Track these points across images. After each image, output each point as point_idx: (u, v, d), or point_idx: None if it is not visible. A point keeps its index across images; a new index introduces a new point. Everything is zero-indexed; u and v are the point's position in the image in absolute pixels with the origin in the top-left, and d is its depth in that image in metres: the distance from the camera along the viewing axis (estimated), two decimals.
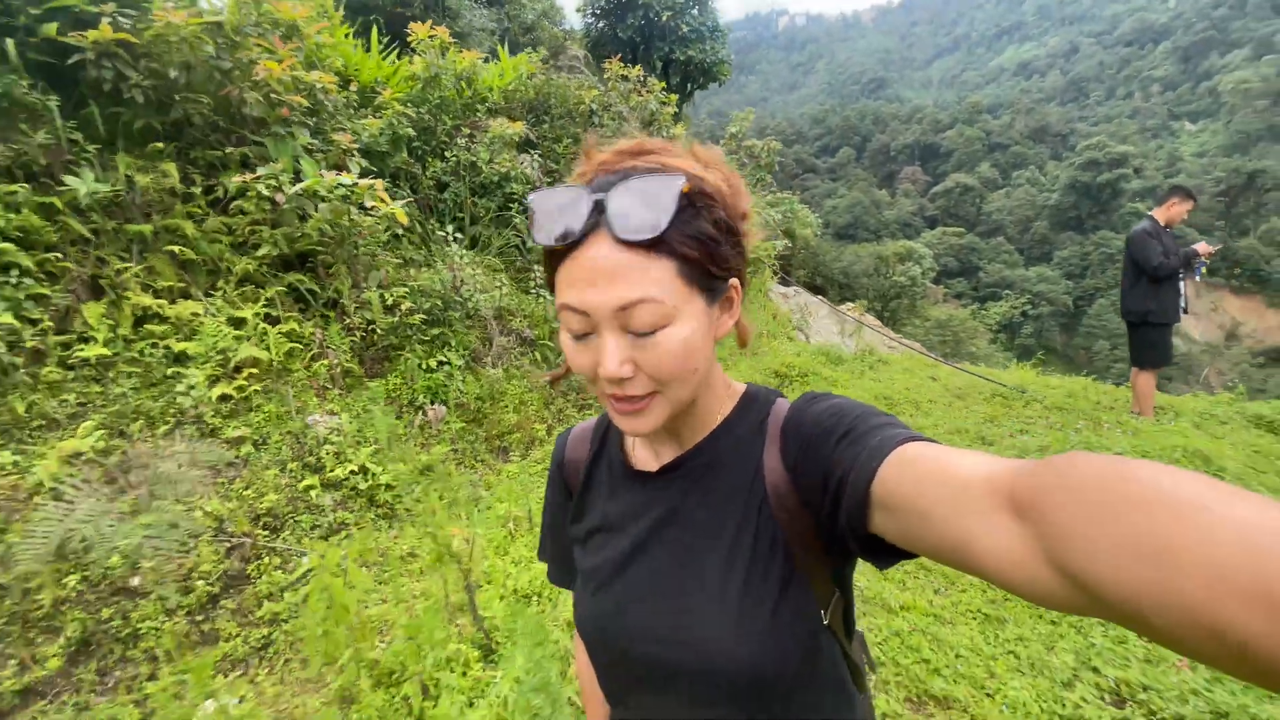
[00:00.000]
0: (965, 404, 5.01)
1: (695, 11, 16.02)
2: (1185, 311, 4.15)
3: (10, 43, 3.03)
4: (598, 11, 16.57)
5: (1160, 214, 4.11)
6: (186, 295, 3.53)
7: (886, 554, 0.52)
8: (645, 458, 0.73)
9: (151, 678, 2.34)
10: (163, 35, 3.37)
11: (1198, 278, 4.11)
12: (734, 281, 0.62)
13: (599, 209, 0.55)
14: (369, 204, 3.77)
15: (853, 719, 0.70)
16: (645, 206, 0.54)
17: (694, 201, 0.56)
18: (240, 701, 2.30)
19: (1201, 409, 4.49)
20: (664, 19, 15.24)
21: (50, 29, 3.16)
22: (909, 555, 0.51)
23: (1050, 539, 0.35)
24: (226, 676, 2.45)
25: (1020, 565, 0.38)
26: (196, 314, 3.40)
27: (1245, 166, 54.20)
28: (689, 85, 17.05)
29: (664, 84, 7.93)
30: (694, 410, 0.67)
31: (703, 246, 0.57)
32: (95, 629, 2.38)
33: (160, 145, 3.53)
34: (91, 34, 3.18)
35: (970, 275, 59.62)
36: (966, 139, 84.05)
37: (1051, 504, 0.36)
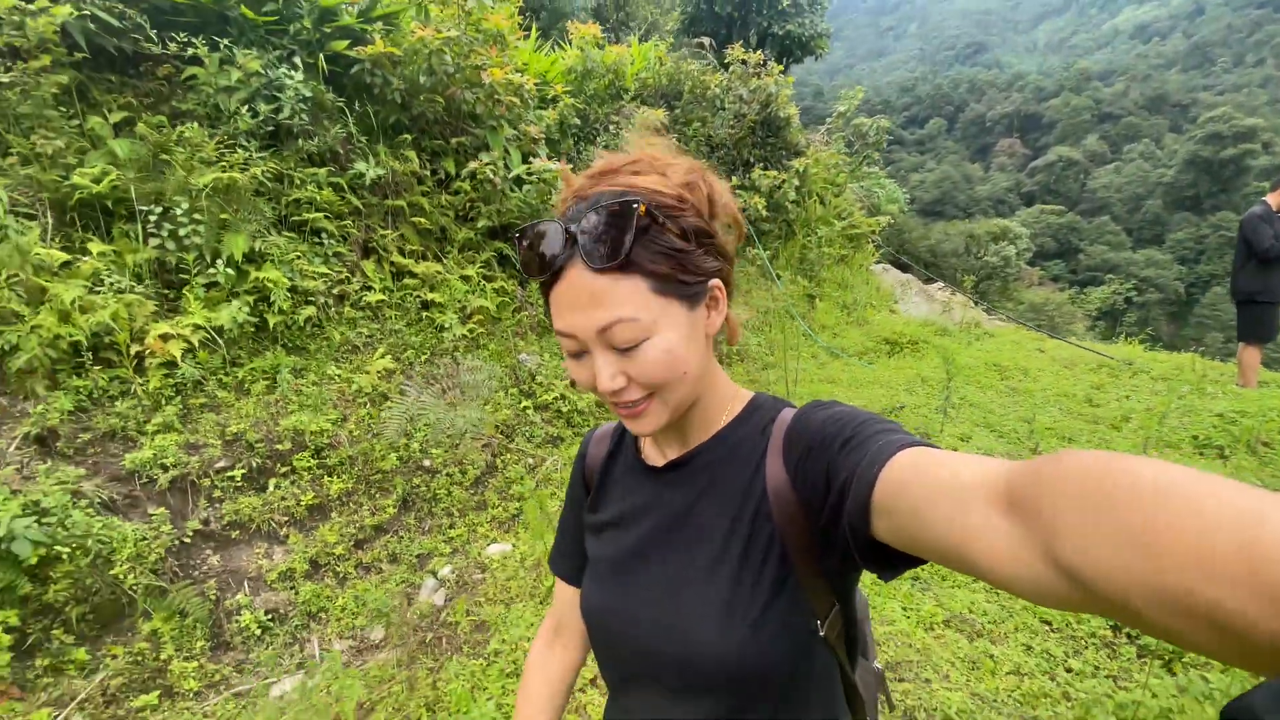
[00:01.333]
0: (1072, 373, 5.42)
1: None
2: None
3: (320, 58, 3.97)
4: None
5: (1274, 199, 4.40)
6: (424, 257, 4.46)
7: (891, 562, 0.53)
8: (654, 454, 0.77)
9: (450, 527, 3.27)
10: (414, 48, 4.24)
11: None
12: (715, 282, 0.66)
13: (571, 241, 0.59)
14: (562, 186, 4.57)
15: None
16: (610, 234, 0.58)
17: (656, 218, 0.60)
18: (512, 547, 3.20)
19: None
20: None
21: (340, 45, 4.08)
22: (913, 563, 0.52)
23: (1043, 534, 0.36)
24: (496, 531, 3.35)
25: (1016, 562, 0.38)
26: (439, 271, 4.32)
27: None
28: (785, 59, 17.16)
29: (779, 65, 8.39)
30: (698, 410, 0.71)
31: (671, 260, 0.61)
32: (410, 492, 3.32)
33: (407, 136, 4.44)
34: (369, 49, 4.08)
35: (1069, 257, 56.10)
36: (1073, 109, 78.28)
37: (1046, 498, 0.36)
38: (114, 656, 2.27)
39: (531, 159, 4.54)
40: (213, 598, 2.54)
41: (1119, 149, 70.79)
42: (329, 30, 4.15)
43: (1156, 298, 48.71)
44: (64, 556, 2.26)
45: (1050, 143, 76.11)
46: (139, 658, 2.29)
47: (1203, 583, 0.28)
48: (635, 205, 0.58)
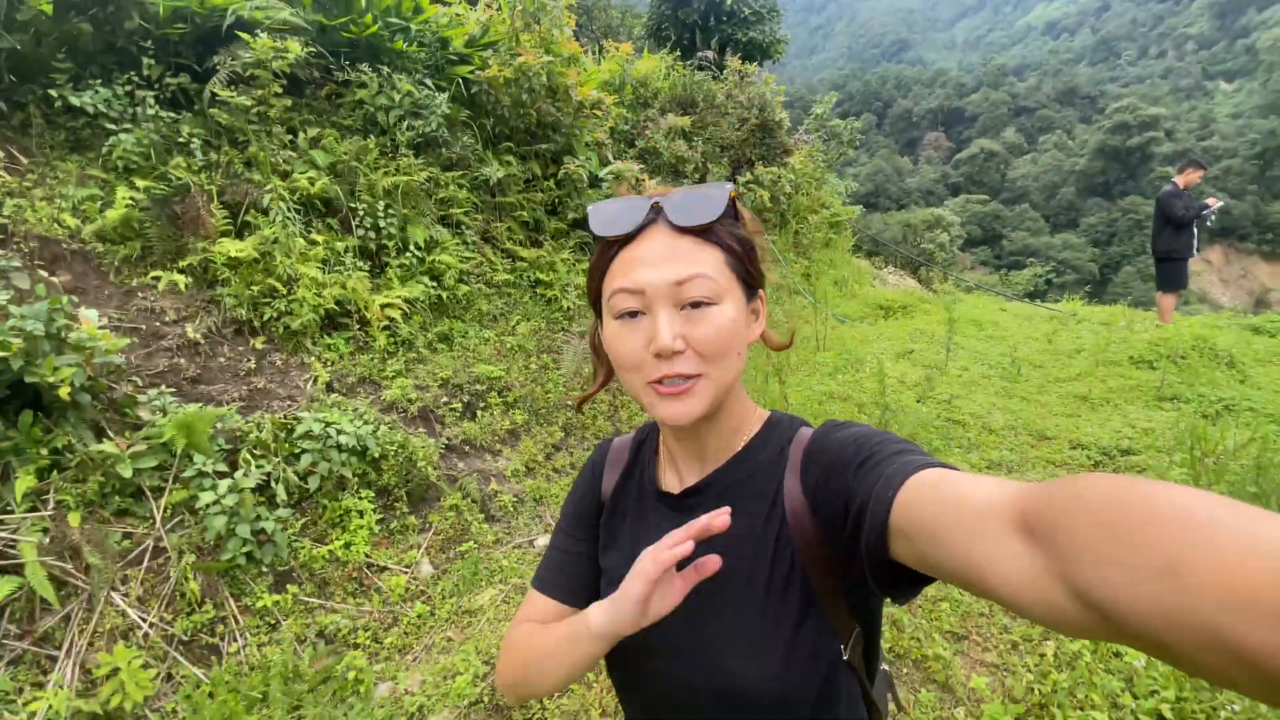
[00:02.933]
0: (1031, 324, 6.77)
1: None
2: (1197, 250, 5.87)
3: (460, 82, 4.84)
4: None
5: (1180, 180, 5.81)
6: (525, 244, 5.37)
7: (906, 584, 0.53)
8: (670, 479, 0.77)
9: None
10: (520, 71, 5.15)
11: (1209, 224, 5.81)
12: (761, 293, 0.70)
13: (656, 209, 0.65)
14: (633, 181, 5.56)
15: None
16: (699, 203, 0.64)
17: (736, 208, 0.68)
18: None
19: (1209, 321, 6.22)
20: (729, 3, 16.67)
21: (464, 70, 4.96)
22: (925, 582, 0.52)
23: (1062, 560, 0.35)
24: None
25: (1032, 588, 0.37)
26: (541, 256, 5.24)
27: None
28: (744, 63, 18.42)
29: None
30: (719, 426, 0.72)
31: (743, 245, 0.67)
32: (566, 422, 4.27)
33: (509, 144, 5.34)
34: (486, 72, 4.97)
35: (994, 244, 59.55)
36: (991, 103, 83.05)
37: (1064, 524, 0.35)
38: (432, 522, 3.17)
39: (611, 160, 5.51)
40: (476, 487, 3.46)
41: (1034, 140, 75.60)
42: (451, 56, 5.02)
43: (1074, 278, 52.48)
44: (389, 454, 3.14)
45: (972, 136, 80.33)
46: (450, 522, 3.19)
47: (1235, 617, 0.26)
48: (728, 186, 0.64)
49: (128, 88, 3.88)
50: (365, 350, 3.80)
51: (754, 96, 8.81)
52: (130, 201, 3.55)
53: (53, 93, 3.61)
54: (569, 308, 5.11)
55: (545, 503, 3.62)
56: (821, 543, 0.62)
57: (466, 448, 3.68)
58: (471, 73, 4.95)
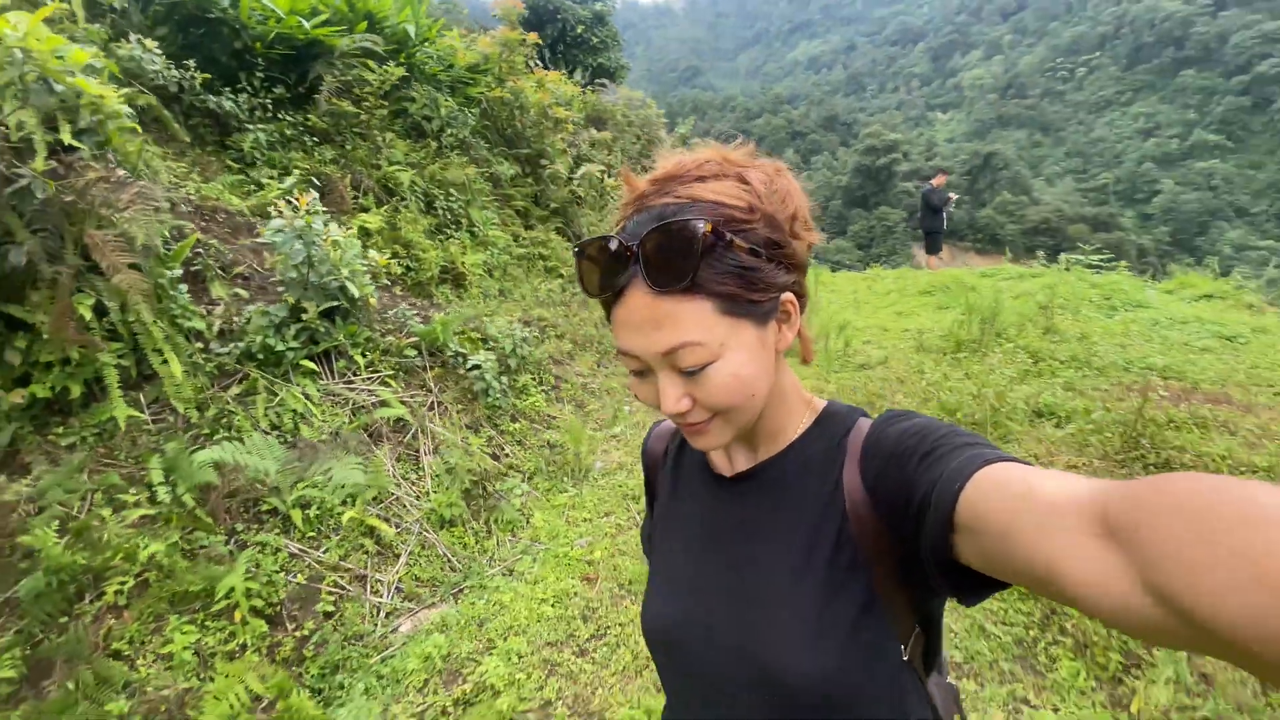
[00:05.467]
0: (852, 281, 9.71)
1: (599, 26, 19.74)
2: (946, 225, 9.17)
3: (485, 100, 6.29)
4: (515, 22, 19.57)
5: (935, 181, 9.07)
6: (522, 227, 6.93)
7: (972, 585, 0.52)
8: (722, 462, 0.75)
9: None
10: (511, 91, 6.71)
11: (951, 209, 9.09)
12: (787, 296, 0.62)
13: (634, 259, 0.56)
14: (605, 181, 7.39)
15: None
16: (672, 255, 0.55)
17: (722, 236, 0.56)
18: None
19: (959, 272, 9.56)
20: (578, 31, 18.75)
21: (475, 90, 6.41)
22: (996, 586, 0.50)
23: (1147, 562, 0.34)
24: None
25: (1112, 591, 0.36)
26: (536, 238, 6.84)
27: (982, 149, 67.72)
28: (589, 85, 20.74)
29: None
30: (766, 421, 0.69)
31: (738, 279, 0.57)
32: (600, 353, 5.97)
33: (503, 148, 6.86)
34: (494, 92, 6.48)
35: None
36: (773, 127, 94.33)
37: (1149, 524, 0.34)
38: (562, 396, 4.76)
39: (583, 163, 7.28)
40: (575, 379, 5.08)
41: (809, 160, 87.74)
42: (462, 79, 6.48)
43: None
44: (529, 355, 4.69)
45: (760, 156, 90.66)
46: (571, 395, 4.80)
47: None
48: (700, 226, 0.55)
49: (240, 96, 4.90)
50: (462, 298, 5.22)
51: (642, 118, 10.97)
52: (278, 187, 4.66)
53: (210, 99, 4.58)
54: (567, 275, 6.79)
55: (611, 393, 5.36)
56: (883, 538, 0.60)
57: (545, 359, 5.29)
58: (480, 92, 6.45)
